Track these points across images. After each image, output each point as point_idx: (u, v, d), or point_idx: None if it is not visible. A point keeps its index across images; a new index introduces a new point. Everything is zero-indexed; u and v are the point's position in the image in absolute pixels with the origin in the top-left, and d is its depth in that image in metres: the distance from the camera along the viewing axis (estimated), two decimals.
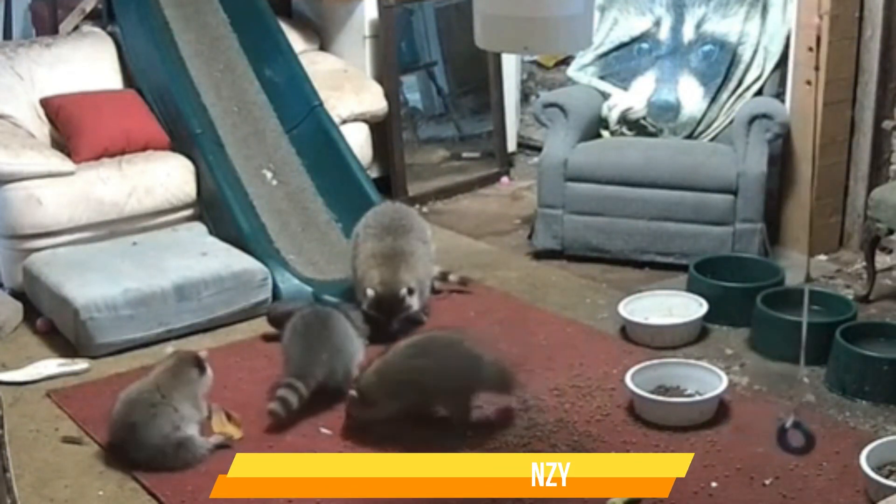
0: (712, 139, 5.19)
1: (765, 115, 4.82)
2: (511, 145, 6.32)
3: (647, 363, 3.89)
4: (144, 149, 4.97)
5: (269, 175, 5.16)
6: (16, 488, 2.60)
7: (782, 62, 5.07)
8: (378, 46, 5.78)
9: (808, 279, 2.96)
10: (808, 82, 4.85)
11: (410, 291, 4.25)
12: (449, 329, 4.00)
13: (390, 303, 4.23)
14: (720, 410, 3.70)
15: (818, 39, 4.38)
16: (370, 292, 4.25)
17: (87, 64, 5.23)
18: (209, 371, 3.65)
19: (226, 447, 3.55)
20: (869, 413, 3.74)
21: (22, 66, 5.07)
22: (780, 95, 5.07)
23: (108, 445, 3.57)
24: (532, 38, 2.91)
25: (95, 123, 4.88)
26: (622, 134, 5.27)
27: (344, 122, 5.39)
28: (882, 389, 3.79)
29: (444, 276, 4.72)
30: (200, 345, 4.13)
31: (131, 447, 3.47)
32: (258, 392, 3.84)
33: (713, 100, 5.20)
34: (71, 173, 4.67)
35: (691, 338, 4.27)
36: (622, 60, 5.41)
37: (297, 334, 3.84)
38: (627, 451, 3.51)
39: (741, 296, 4.33)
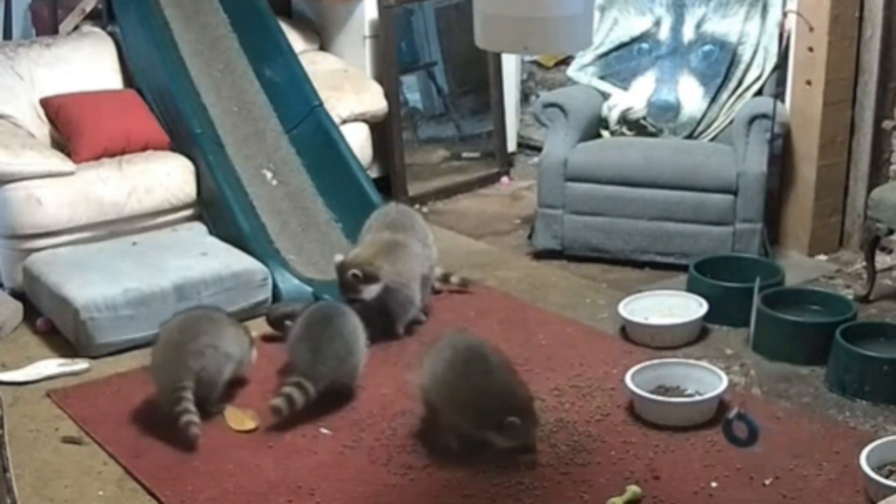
0: (712, 139, 5.19)
1: (765, 115, 4.82)
2: (511, 145, 6.32)
3: (647, 363, 3.88)
4: (144, 149, 4.96)
5: (269, 175, 5.16)
6: (16, 488, 2.60)
7: (782, 62, 5.07)
8: (378, 46, 5.78)
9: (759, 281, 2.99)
10: (808, 82, 4.86)
11: (369, 278, 4.14)
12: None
13: (343, 276, 4.16)
14: (720, 410, 3.69)
15: (781, 36, 4.35)
16: (338, 256, 4.24)
17: (87, 64, 5.22)
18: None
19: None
20: (869, 413, 3.74)
21: (22, 66, 5.07)
22: (780, 95, 5.08)
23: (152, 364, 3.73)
24: (532, 38, 2.91)
25: (95, 123, 4.88)
26: (622, 134, 5.27)
27: (344, 122, 5.39)
28: (882, 389, 3.78)
29: (445, 278, 4.71)
30: None
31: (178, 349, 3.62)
32: (258, 392, 3.84)
33: (713, 100, 5.20)
34: (71, 173, 4.67)
35: (691, 338, 4.27)
36: (622, 60, 5.41)
37: (305, 332, 3.80)
38: (627, 451, 3.51)
39: (741, 296, 4.32)
